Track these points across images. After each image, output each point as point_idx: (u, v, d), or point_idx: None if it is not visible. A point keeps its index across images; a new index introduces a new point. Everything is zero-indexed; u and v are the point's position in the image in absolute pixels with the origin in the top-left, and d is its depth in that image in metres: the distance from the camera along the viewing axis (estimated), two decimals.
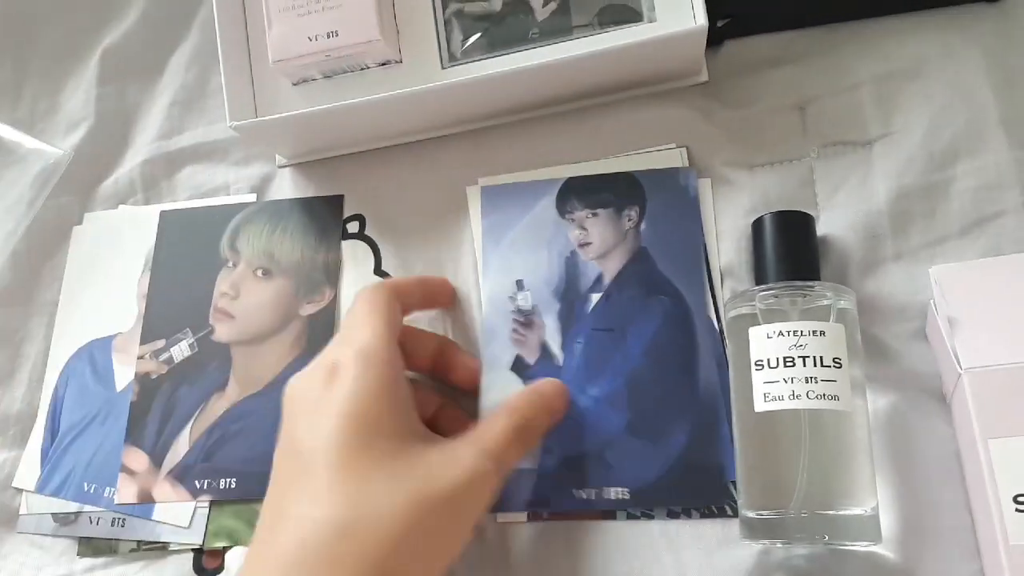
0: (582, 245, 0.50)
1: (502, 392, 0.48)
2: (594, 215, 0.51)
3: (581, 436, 0.46)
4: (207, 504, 0.51)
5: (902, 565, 0.42)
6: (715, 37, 0.52)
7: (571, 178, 0.52)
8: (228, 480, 0.51)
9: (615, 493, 0.45)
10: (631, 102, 0.53)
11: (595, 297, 0.49)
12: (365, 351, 0.39)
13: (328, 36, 0.51)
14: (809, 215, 0.47)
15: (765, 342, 0.43)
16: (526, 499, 0.46)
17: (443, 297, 0.50)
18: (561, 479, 0.46)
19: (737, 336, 0.45)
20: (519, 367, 0.49)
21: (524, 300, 0.50)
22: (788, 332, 0.42)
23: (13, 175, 0.61)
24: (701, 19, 0.48)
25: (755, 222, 0.47)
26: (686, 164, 0.51)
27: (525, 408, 0.42)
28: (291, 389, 0.41)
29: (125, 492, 0.52)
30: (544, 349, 0.49)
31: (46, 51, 0.66)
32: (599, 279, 0.49)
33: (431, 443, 0.39)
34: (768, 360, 0.42)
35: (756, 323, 0.43)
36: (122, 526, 0.52)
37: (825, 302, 0.43)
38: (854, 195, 0.49)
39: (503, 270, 0.51)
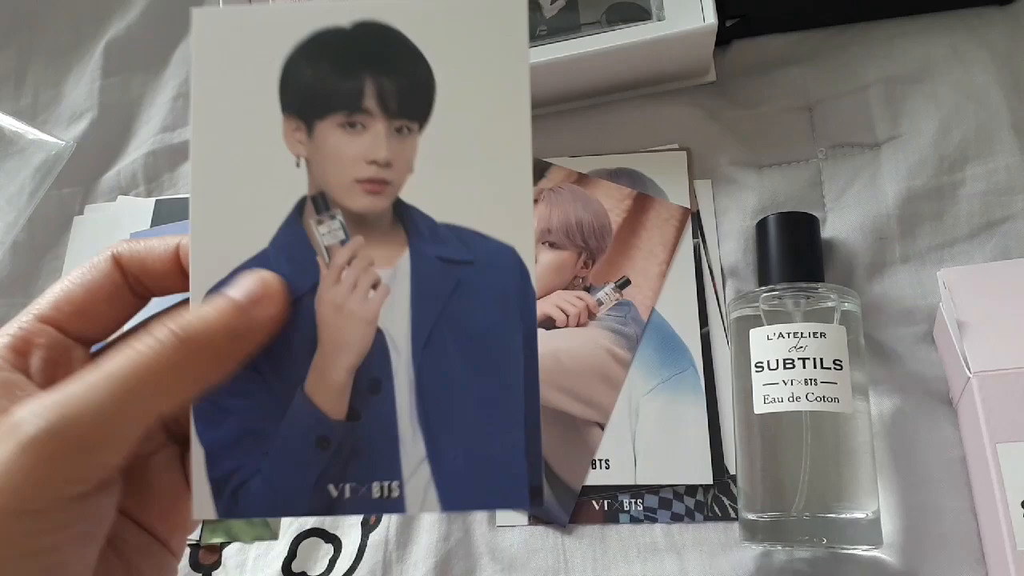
0: None
1: None
2: None
3: None
4: None
5: (905, 570, 0.41)
6: (723, 37, 0.52)
7: None
8: None
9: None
10: (639, 100, 0.53)
11: None
12: None
13: None
14: (813, 216, 0.46)
15: (765, 344, 0.42)
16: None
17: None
18: None
19: (739, 337, 0.44)
20: None
21: None
22: (788, 334, 0.42)
23: (15, 166, 0.61)
24: (710, 18, 0.48)
25: (759, 223, 0.47)
26: (687, 166, 0.51)
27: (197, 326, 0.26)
28: None
29: None
30: None
31: (50, 42, 0.66)
32: None
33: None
34: (768, 362, 0.42)
35: (759, 324, 0.43)
36: None
37: (829, 304, 0.43)
38: (862, 197, 0.49)
39: None
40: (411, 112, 0.29)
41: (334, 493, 0.29)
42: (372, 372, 0.29)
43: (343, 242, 0.30)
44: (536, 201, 0.52)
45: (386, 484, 0.29)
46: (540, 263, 0.50)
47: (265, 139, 0.29)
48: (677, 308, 0.49)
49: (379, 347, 0.30)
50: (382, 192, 0.30)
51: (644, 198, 0.51)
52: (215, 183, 0.29)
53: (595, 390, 0.48)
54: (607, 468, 0.47)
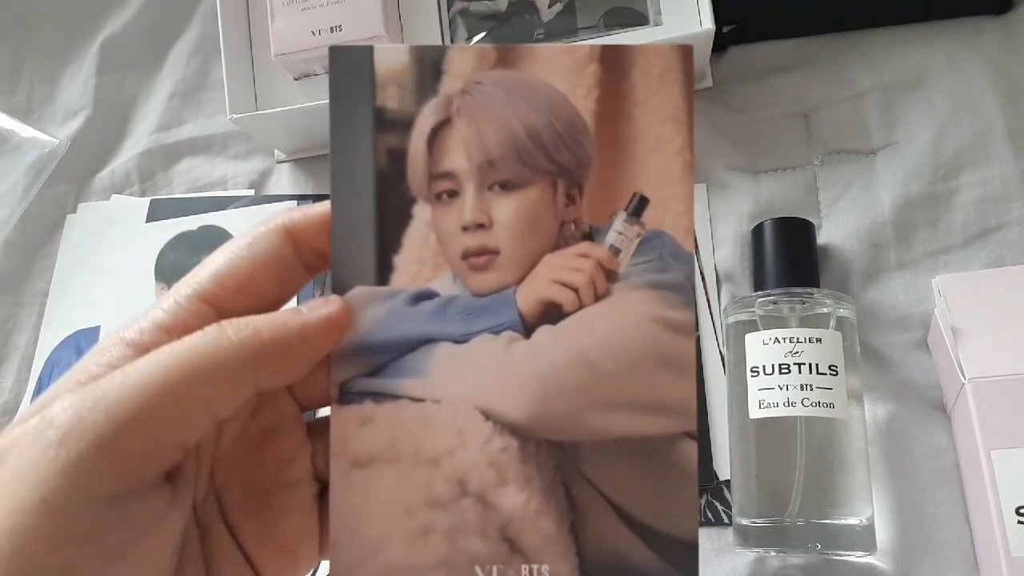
0: None
1: None
2: None
3: None
4: None
5: None
6: (720, 43, 0.52)
7: None
8: None
9: None
10: None
11: None
12: None
13: (332, 30, 0.50)
14: (809, 222, 0.46)
15: (761, 348, 0.42)
16: None
17: None
18: None
19: (735, 342, 0.44)
20: None
21: None
22: (784, 339, 0.42)
23: (8, 163, 0.61)
24: (708, 23, 0.48)
25: (755, 228, 0.47)
26: None
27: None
28: None
29: None
30: None
31: (45, 39, 0.65)
32: None
33: None
34: (764, 367, 0.42)
35: (755, 329, 0.43)
36: None
37: (824, 310, 0.43)
38: (857, 203, 0.49)
39: None
40: None
41: None
42: None
43: None
44: (449, 120, 0.28)
45: None
46: (498, 223, 0.29)
47: (144, 298, 0.55)
48: None
49: None
50: None
51: (614, 51, 0.28)
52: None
53: (659, 385, 0.28)
54: None
